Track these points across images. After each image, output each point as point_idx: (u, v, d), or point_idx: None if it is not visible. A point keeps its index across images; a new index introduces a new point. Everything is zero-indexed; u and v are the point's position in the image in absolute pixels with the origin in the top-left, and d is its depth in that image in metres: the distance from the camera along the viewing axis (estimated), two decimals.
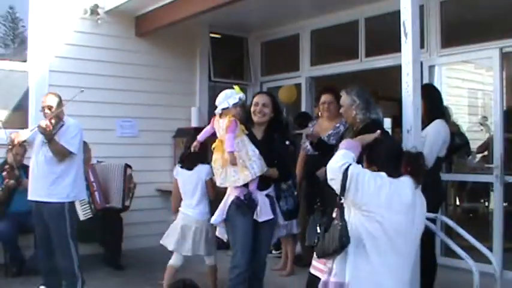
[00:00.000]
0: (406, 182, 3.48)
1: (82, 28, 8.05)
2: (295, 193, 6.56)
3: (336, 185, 3.46)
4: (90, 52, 8.06)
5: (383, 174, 3.48)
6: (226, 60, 9.84)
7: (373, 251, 3.38)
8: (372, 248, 3.38)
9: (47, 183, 5.44)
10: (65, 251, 5.46)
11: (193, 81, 9.32)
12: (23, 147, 6.81)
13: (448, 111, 7.62)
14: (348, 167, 3.41)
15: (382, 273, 3.39)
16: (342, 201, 3.45)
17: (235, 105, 4.81)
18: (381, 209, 3.36)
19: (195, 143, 5.07)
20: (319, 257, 3.64)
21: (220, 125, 4.82)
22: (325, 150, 5.15)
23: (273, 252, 7.52)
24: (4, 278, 6.49)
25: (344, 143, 3.73)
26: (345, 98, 4.70)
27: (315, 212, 4.03)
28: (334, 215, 3.50)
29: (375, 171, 3.53)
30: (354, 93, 4.65)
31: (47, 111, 5.47)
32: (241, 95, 4.90)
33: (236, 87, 4.94)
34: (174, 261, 5.84)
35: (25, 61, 7.70)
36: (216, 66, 9.54)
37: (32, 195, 5.54)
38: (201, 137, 5.05)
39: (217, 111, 4.87)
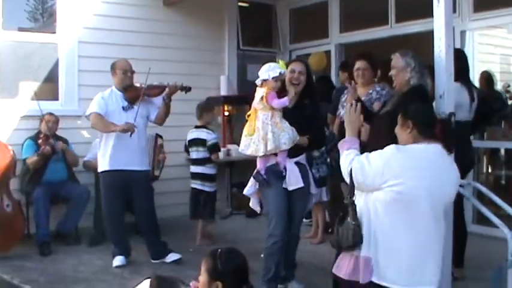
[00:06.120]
0: (426, 148, 3.43)
1: None
2: (328, 160, 6.53)
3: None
4: (118, 22, 8.06)
5: (391, 147, 3.43)
6: (254, 28, 9.77)
7: (397, 222, 3.35)
8: (396, 220, 3.35)
9: (140, 153, 6.02)
10: (153, 209, 6.13)
11: (221, 50, 9.30)
12: (53, 115, 6.94)
13: (492, 77, 7.53)
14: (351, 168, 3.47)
15: (407, 243, 3.36)
16: (353, 199, 3.44)
17: (274, 78, 4.83)
18: (398, 179, 3.29)
19: None
20: (333, 246, 3.65)
21: (259, 94, 4.87)
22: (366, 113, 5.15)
23: (304, 220, 7.53)
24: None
25: (341, 144, 3.72)
26: (398, 60, 4.58)
27: None
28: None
29: (409, 127, 3.48)
30: (410, 57, 4.54)
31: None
32: (283, 70, 4.92)
33: (281, 61, 5.03)
34: None
35: (54, 33, 7.72)
36: (244, 35, 9.48)
37: (123, 165, 5.84)
38: None
39: (258, 81, 4.93)
